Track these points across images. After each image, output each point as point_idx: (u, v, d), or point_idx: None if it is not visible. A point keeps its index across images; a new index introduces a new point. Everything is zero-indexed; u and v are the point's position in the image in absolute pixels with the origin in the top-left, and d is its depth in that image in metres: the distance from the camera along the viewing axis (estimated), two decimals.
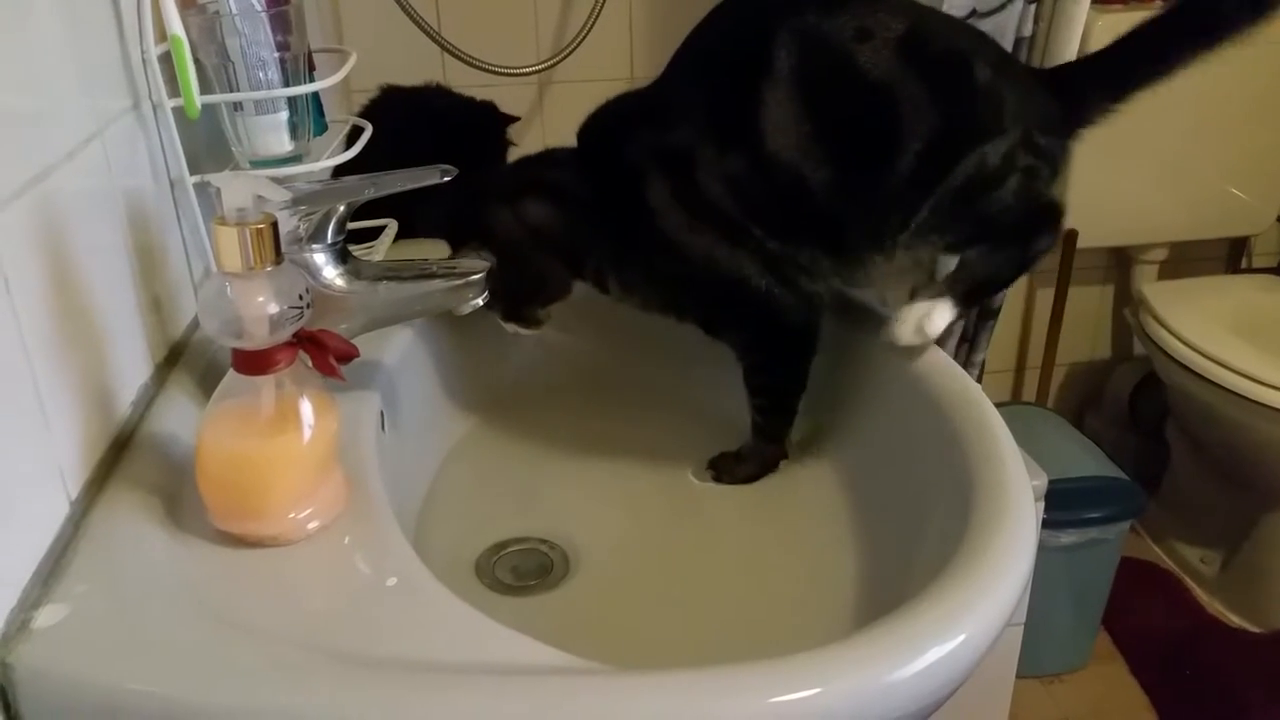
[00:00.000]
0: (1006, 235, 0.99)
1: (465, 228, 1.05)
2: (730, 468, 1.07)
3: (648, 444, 1.13)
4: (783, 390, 1.06)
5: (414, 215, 1.15)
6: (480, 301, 0.93)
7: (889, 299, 1.07)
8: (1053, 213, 1.01)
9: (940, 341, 1.00)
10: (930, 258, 1.01)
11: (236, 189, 0.65)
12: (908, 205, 0.95)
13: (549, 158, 1.09)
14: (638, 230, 1.00)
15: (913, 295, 1.00)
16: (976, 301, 0.99)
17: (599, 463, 1.11)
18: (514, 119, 1.42)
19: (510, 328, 1.08)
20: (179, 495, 0.73)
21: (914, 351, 0.98)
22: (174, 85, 0.86)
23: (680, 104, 0.99)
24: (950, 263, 1.01)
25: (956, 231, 0.98)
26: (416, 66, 1.46)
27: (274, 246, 0.66)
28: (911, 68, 0.93)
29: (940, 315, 0.97)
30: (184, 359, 0.90)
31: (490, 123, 1.40)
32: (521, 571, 0.97)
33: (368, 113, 1.32)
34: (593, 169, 1.04)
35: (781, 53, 0.93)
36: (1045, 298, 2.21)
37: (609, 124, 1.05)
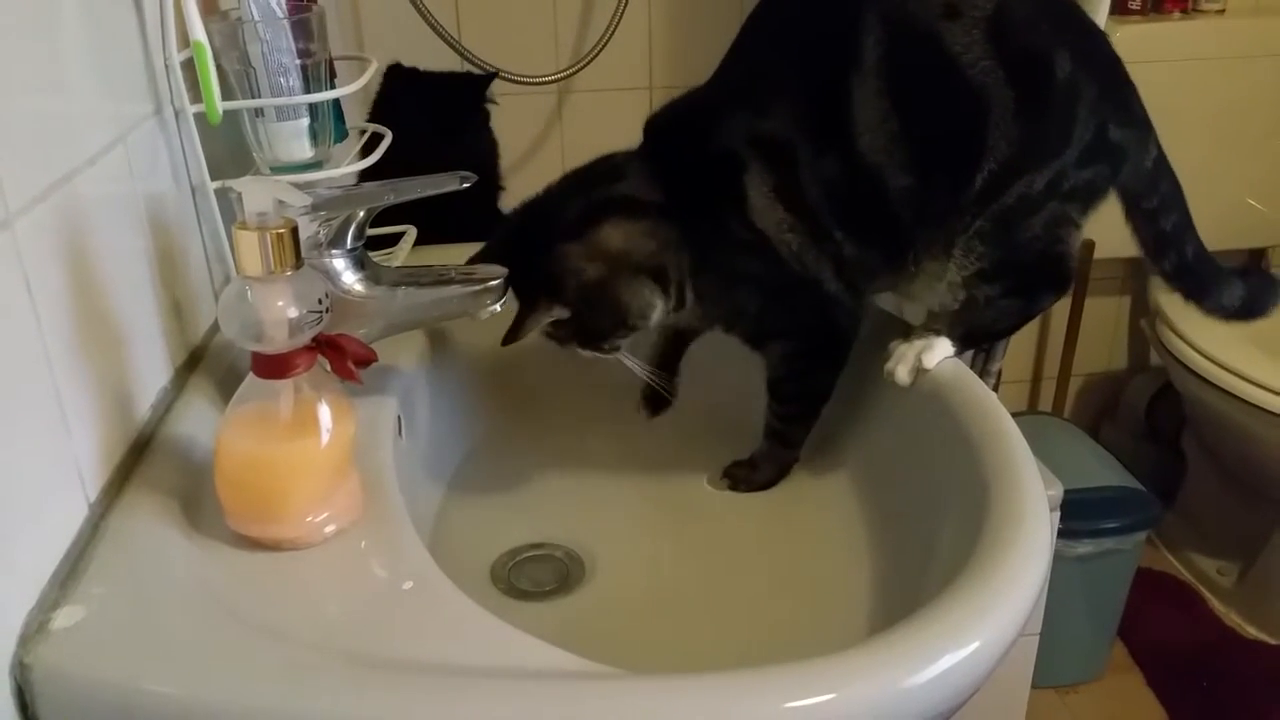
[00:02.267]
0: (1021, 278, 0.98)
1: (535, 285, 0.94)
2: (746, 475, 1.07)
3: (663, 451, 1.13)
4: (813, 398, 1.05)
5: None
6: (499, 307, 0.93)
7: (909, 310, 1.08)
8: (1065, 265, 1.00)
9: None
10: (962, 276, 0.98)
11: (257, 194, 0.65)
12: (970, 217, 0.94)
13: (608, 169, 0.99)
14: (727, 229, 0.95)
15: (908, 337, 0.99)
16: (973, 344, 0.99)
17: (615, 469, 1.11)
18: (492, 76, 1.45)
19: (588, 354, 1.00)
20: (197, 498, 0.74)
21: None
22: (196, 91, 0.87)
23: (773, 91, 0.94)
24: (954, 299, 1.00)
25: (989, 254, 0.96)
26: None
27: (294, 251, 0.66)
28: (1001, 62, 0.90)
29: (938, 350, 0.97)
30: (203, 363, 0.91)
31: (469, 86, 1.44)
32: (537, 577, 0.97)
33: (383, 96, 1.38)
34: (669, 166, 0.97)
35: (869, 39, 0.90)
36: (1062, 308, 2.20)
37: (689, 116, 1.00)
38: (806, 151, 0.93)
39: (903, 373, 0.97)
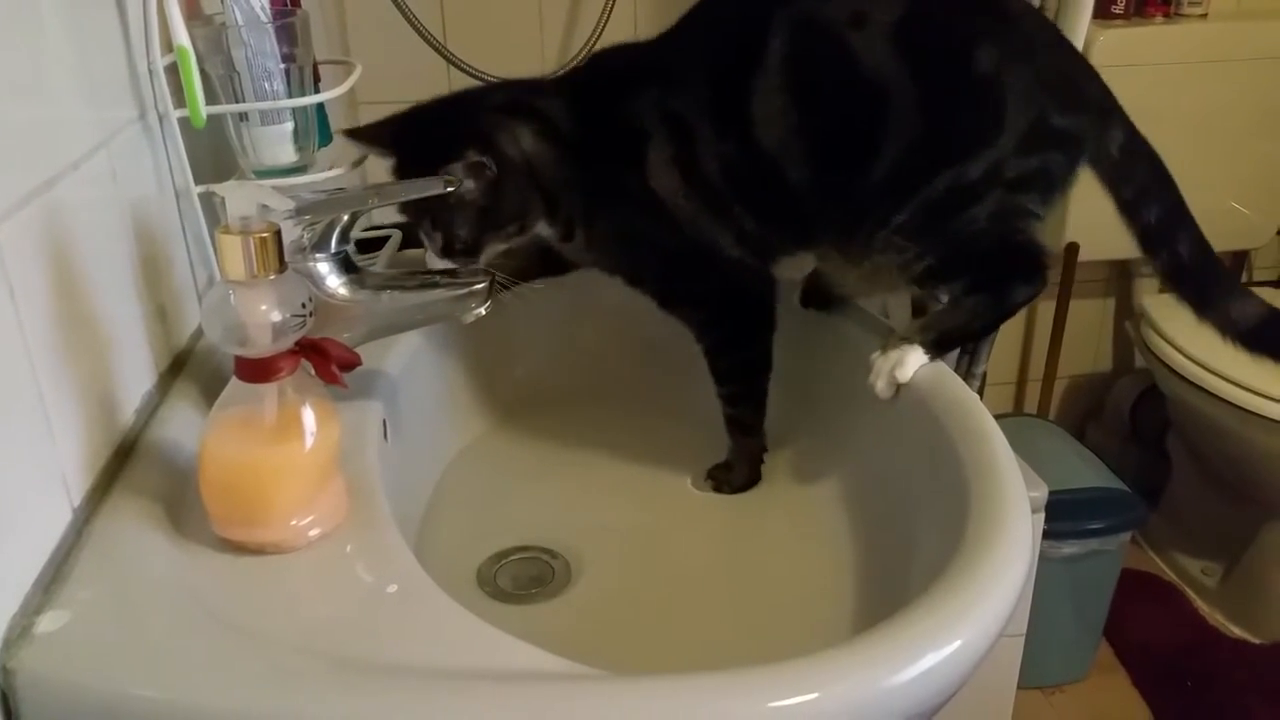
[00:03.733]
0: (980, 273, 0.97)
1: (464, 133, 0.97)
2: (726, 478, 1.08)
3: (647, 454, 1.13)
4: (749, 370, 1.06)
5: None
6: (484, 311, 0.93)
7: (871, 297, 1.10)
8: (1032, 257, 0.99)
9: None
10: (907, 267, 0.98)
11: (241, 198, 0.65)
12: (884, 210, 0.95)
13: (540, 87, 1.04)
14: (625, 184, 0.99)
15: (884, 349, 0.98)
16: (948, 349, 0.98)
17: (599, 472, 1.11)
18: None
19: (443, 264, 0.99)
20: (181, 502, 0.74)
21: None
22: (180, 96, 0.87)
23: (688, 74, 0.99)
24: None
25: (931, 249, 0.96)
26: (422, 79, 1.45)
27: (277, 255, 0.66)
28: (905, 61, 0.92)
29: (911, 362, 0.96)
30: (188, 367, 0.91)
31: None
32: (523, 579, 0.97)
33: None
34: (591, 112, 1.01)
35: (776, 41, 0.94)
36: (1047, 310, 2.22)
37: (618, 71, 1.04)
38: (707, 133, 0.97)
39: (881, 386, 0.97)
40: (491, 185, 0.95)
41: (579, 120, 1.00)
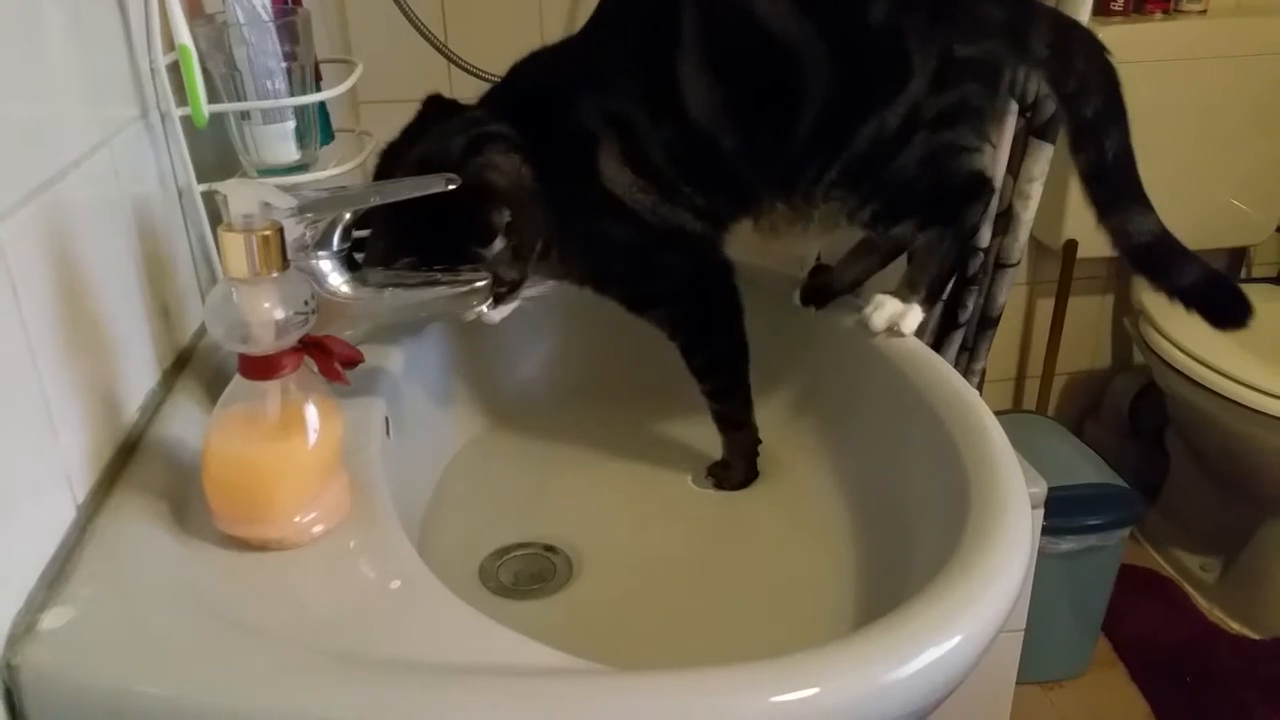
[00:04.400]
0: (928, 209, 1.01)
1: (473, 205, 0.94)
2: (726, 475, 1.08)
3: (649, 450, 1.13)
4: (726, 359, 1.06)
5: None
6: (485, 308, 0.93)
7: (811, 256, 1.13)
8: (975, 183, 1.03)
9: (941, 350, 1.01)
10: (853, 215, 1.01)
11: (243, 196, 0.66)
12: (816, 166, 0.98)
13: (475, 115, 1.01)
14: (582, 191, 1.00)
15: (895, 291, 1.03)
16: (937, 297, 1.02)
17: (601, 469, 1.12)
18: None
19: (498, 311, 0.98)
20: (185, 499, 0.74)
21: (910, 355, 1.00)
22: (182, 94, 0.87)
23: (617, 69, 0.99)
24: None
25: (871, 195, 0.99)
26: (422, 77, 1.45)
27: (280, 253, 0.67)
28: (809, 19, 0.94)
29: (911, 319, 1.02)
30: (191, 365, 0.91)
31: None
32: (525, 576, 0.97)
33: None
34: (535, 126, 0.99)
35: (687, 18, 0.95)
36: (1045, 307, 2.22)
37: (548, 81, 1.03)
38: (644, 122, 0.97)
39: (879, 319, 1.01)
40: (518, 209, 0.96)
41: (526, 136, 0.99)
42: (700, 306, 1.06)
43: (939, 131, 0.97)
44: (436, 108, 1.05)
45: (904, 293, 1.03)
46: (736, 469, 1.08)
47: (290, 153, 0.97)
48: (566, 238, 1.02)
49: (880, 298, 1.03)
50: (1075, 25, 1.03)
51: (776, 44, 0.95)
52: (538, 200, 0.98)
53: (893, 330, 1.02)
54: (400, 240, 0.93)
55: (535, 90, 1.03)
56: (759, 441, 1.09)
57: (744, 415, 1.08)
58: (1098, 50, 1.01)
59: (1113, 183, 1.02)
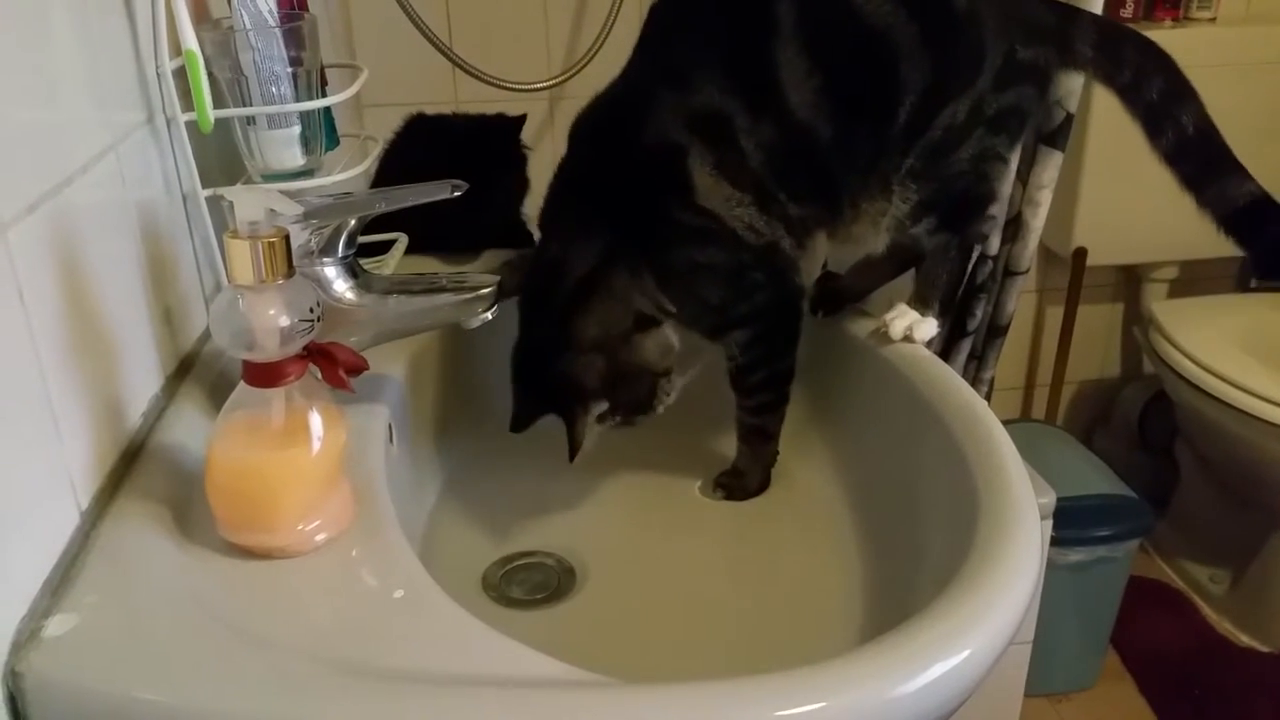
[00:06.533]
0: (947, 212, 1.01)
1: (563, 400, 0.99)
2: (737, 484, 1.08)
3: (654, 460, 1.13)
4: (780, 381, 1.05)
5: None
6: (490, 315, 0.93)
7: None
8: (986, 201, 1.05)
9: (949, 359, 1.01)
10: (899, 215, 1.01)
11: (249, 202, 0.65)
12: (898, 156, 0.98)
13: (549, 259, 1.01)
14: (673, 222, 0.97)
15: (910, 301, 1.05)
16: (950, 306, 1.05)
17: (605, 478, 1.11)
18: (522, 120, 1.42)
19: (663, 408, 1.03)
20: (188, 506, 0.74)
21: (918, 364, 1.00)
22: (188, 99, 0.87)
23: (699, 70, 0.96)
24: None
25: (922, 190, 0.99)
26: (428, 82, 1.46)
27: (285, 259, 0.66)
28: (900, 2, 0.94)
29: (926, 328, 1.03)
30: (195, 371, 0.91)
31: (505, 133, 1.41)
32: (528, 586, 0.97)
33: (396, 142, 1.34)
34: (598, 172, 1.00)
35: (782, 6, 0.94)
36: (1055, 315, 2.21)
37: (615, 115, 1.00)
38: (744, 120, 0.94)
39: (899, 327, 1.02)
40: (612, 391, 0.99)
41: (602, 206, 0.99)
42: (776, 327, 1.04)
43: (992, 133, 0.98)
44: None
45: (917, 307, 1.04)
46: (752, 478, 1.08)
47: (295, 158, 0.97)
48: (669, 285, 1.00)
49: (901, 307, 1.04)
50: (1115, 24, 1.05)
51: (872, 28, 0.94)
52: (622, 338, 1.00)
53: (907, 338, 1.02)
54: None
55: (609, 123, 1.01)
56: (778, 453, 1.08)
57: (777, 430, 1.07)
58: (1144, 40, 1.01)
59: (1200, 153, 1.01)
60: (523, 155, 1.39)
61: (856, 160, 0.98)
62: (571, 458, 0.99)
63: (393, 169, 1.28)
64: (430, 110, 1.35)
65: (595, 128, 1.01)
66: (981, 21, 0.96)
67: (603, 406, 0.99)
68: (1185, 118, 0.99)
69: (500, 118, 1.40)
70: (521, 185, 1.38)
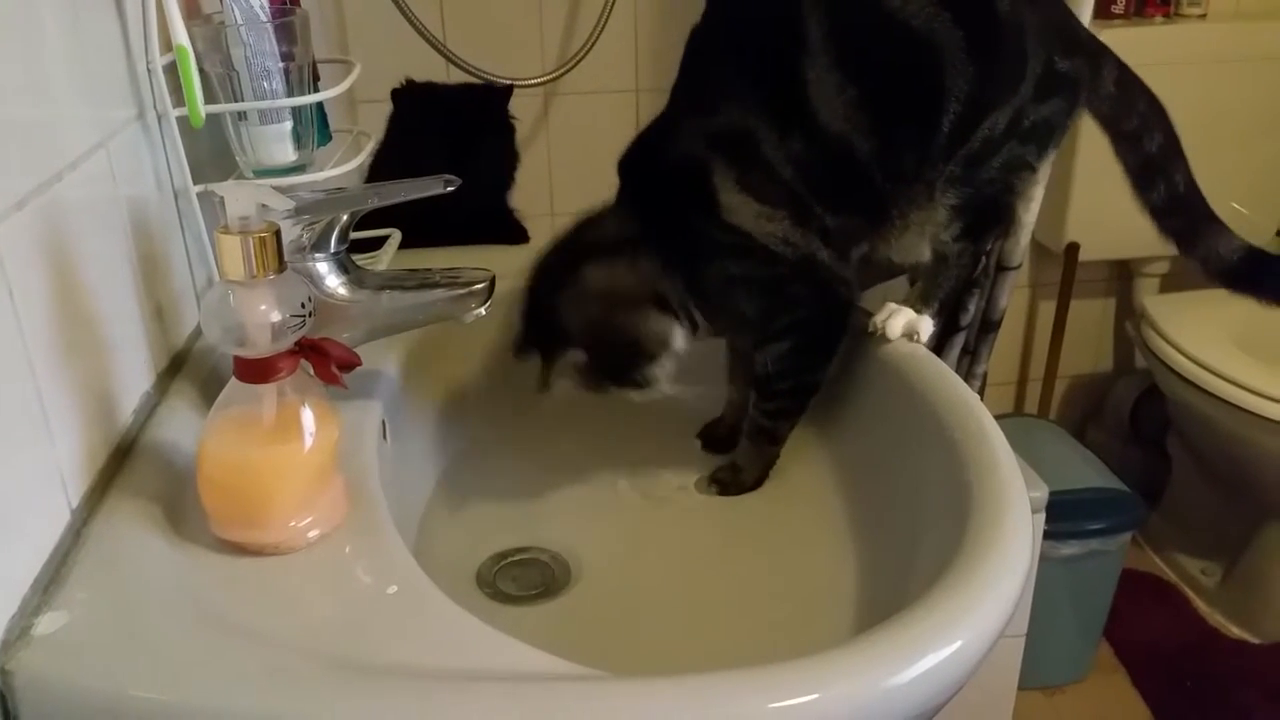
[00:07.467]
0: (972, 221, 1.00)
1: (547, 337, 0.99)
2: (734, 479, 1.08)
3: (649, 454, 1.13)
4: (806, 391, 1.05)
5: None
6: (483, 311, 0.93)
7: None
8: (1008, 212, 1.06)
9: (942, 354, 1.01)
10: (939, 219, 1.01)
11: (240, 198, 0.65)
12: (939, 166, 0.97)
13: (585, 221, 1.03)
14: (704, 236, 0.97)
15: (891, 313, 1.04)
16: (945, 310, 1.05)
17: (600, 473, 1.11)
18: (509, 90, 1.45)
19: (633, 395, 1.00)
20: (180, 503, 0.74)
21: (911, 359, 1.00)
22: (179, 95, 0.87)
23: (722, 90, 0.96)
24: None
25: (958, 196, 0.99)
26: (421, 77, 1.46)
27: (277, 255, 0.66)
28: (944, 7, 0.92)
29: (925, 328, 1.02)
30: (186, 367, 0.90)
31: (493, 100, 1.44)
32: (522, 581, 0.97)
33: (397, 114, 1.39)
34: (640, 195, 1.00)
35: (812, 21, 0.92)
36: (1047, 310, 2.21)
37: (649, 140, 1.01)
38: (770, 136, 0.94)
39: (895, 327, 1.01)
40: (595, 351, 0.98)
41: (640, 213, 0.99)
42: (816, 342, 1.03)
43: (1023, 143, 0.98)
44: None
45: (917, 306, 1.04)
46: (750, 473, 1.07)
47: (287, 153, 0.97)
48: (702, 294, 1.00)
49: (893, 306, 1.03)
50: (1133, 72, 1.05)
51: (915, 36, 0.92)
52: (624, 309, 0.98)
53: (910, 339, 1.02)
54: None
55: (645, 147, 1.01)
56: (779, 455, 1.08)
57: (785, 436, 1.07)
58: (1153, 95, 1.04)
59: (1190, 212, 1.05)
60: (510, 124, 1.40)
61: (899, 171, 0.97)
62: (540, 389, 1.00)
63: (391, 139, 1.34)
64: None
65: (637, 156, 1.02)
66: (1023, 28, 0.95)
67: (580, 357, 0.98)
68: (1178, 176, 1.04)
69: (488, 86, 1.43)
70: (511, 157, 1.40)
